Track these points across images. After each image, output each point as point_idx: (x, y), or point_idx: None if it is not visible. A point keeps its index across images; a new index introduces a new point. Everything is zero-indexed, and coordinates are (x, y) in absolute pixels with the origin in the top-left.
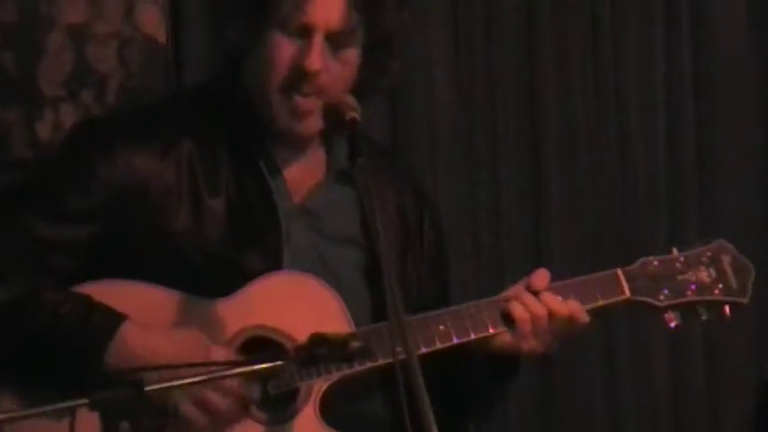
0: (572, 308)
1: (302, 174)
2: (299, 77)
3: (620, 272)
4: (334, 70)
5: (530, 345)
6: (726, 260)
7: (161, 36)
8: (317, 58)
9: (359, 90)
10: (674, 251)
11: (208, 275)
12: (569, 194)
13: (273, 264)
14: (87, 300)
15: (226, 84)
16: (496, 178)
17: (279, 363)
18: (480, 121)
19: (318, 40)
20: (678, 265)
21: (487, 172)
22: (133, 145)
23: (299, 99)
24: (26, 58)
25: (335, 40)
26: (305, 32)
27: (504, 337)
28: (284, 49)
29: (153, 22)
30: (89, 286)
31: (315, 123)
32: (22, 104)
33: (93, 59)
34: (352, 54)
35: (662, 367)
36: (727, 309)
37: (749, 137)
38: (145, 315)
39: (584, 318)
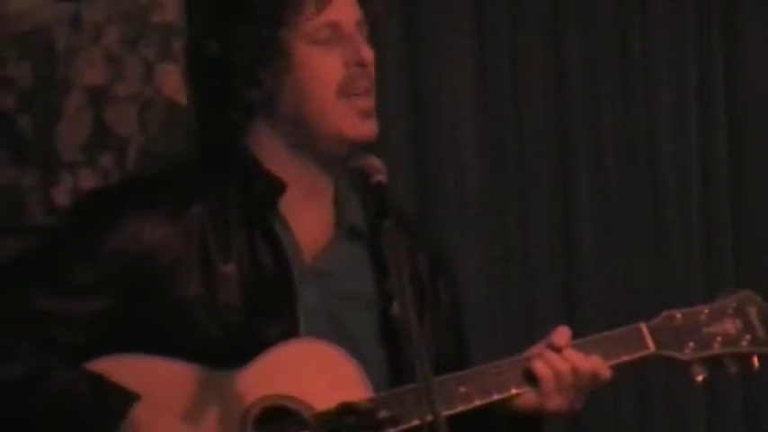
0: (594, 364)
1: (313, 232)
2: (357, 74)
3: (643, 326)
4: (372, 63)
5: (554, 403)
6: (752, 311)
7: (182, 98)
8: (366, 46)
9: None
10: (698, 304)
11: (222, 344)
12: (602, 258)
13: (289, 329)
14: (100, 378)
15: (235, 144)
16: (527, 240)
17: None
18: (510, 183)
19: (356, 32)
20: (703, 317)
21: (519, 234)
22: (141, 213)
23: (361, 100)
24: (43, 122)
25: (360, 31)
26: (335, 33)
27: (528, 396)
28: (325, 57)
29: (173, 83)
30: (101, 362)
31: (376, 125)
32: (39, 169)
33: (113, 122)
34: (371, 47)
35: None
36: (755, 360)
37: None
38: (157, 390)
39: (607, 374)
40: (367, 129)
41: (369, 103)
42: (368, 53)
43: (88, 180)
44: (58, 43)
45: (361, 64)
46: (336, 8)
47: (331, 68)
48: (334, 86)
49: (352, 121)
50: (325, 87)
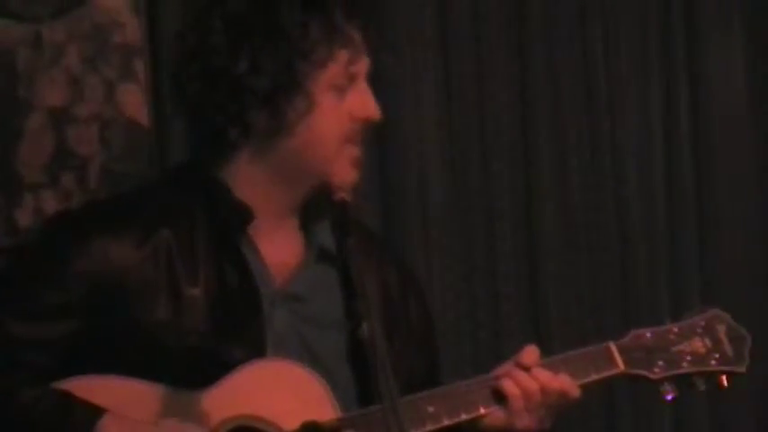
0: (563, 382)
1: (283, 256)
2: (362, 128)
3: (612, 345)
4: None
5: (523, 422)
6: (721, 329)
7: (143, 118)
8: (376, 104)
9: None
10: (668, 322)
11: (189, 368)
12: (567, 269)
13: (257, 353)
14: (66, 396)
15: (205, 164)
16: (493, 255)
17: None
18: (475, 199)
19: (366, 84)
20: (672, 336)
21: (483, 249)
22: (108, 236)
23: (355, 149)
24: (4, 143)
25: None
26: (350, 81)
27: (496, 415)
28: (340, 104)
29: (135, 103)
30: (68, 383)
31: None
32: (1, 190)
33: (74, 142)
34: None
35: None
36: (724, 379)
37: (748, 197)
38: (126, 410)
39: (576, 392)
40: (354, 177)
41: (359, 152)
42: (377, 112)
43: (50, 201)
44: (18, 64)
45: (368, 121)
46: (362, 56)
47: (341, 118)
48: (340, 136)
49: (347, 169)
50: (333, 135)
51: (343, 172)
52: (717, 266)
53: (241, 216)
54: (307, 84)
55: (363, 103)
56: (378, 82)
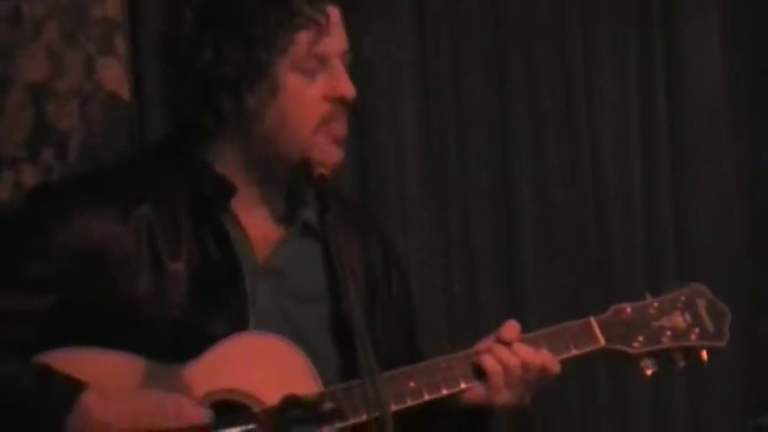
0: (544, 358)
1: (266, 230)
2: (338, 107)
3: (593, 320)
4: None
5: (503, 397)
6: (701, 304)
7: (124, 92)
8: (350, 83)
9: None
10: (648, 297)
11: (171, 342)
12: (544, 249)
13: (238, 327)
14: (46, 370)
15: (191, 141)
16: (469, 235)
17: (251, 426)
18: (452, 195)
19: (340, 64)
20: (652, 311)
21: (459, 229)
22: (91, 209)
23: (337, 126)
24: None
25: (344, 62)
26: (321, 64)
27: (477, 390)
28: (310, 88)
29: (115, 78)
30: (49, 356)
31: (343, 153)
32: None
33: (54, 118)
34: None
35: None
36: (704, 354)
37: (726, 194)
38: (108, 382)
39: (556, 368)
40: (337, 156)
41: (343, 131)
42: (351, 90)
43: (30, 176)
44: None
45: (343, 101)
46: (331, 38)
47: (315, 101)
48: (314, 119)
49: (327, 149)
50: (305, 118)
51: (323, 152)
52: (693, 248)
53: (224, 190)
54: (270, 69)
55: (335, 82)
56: (356, 69)
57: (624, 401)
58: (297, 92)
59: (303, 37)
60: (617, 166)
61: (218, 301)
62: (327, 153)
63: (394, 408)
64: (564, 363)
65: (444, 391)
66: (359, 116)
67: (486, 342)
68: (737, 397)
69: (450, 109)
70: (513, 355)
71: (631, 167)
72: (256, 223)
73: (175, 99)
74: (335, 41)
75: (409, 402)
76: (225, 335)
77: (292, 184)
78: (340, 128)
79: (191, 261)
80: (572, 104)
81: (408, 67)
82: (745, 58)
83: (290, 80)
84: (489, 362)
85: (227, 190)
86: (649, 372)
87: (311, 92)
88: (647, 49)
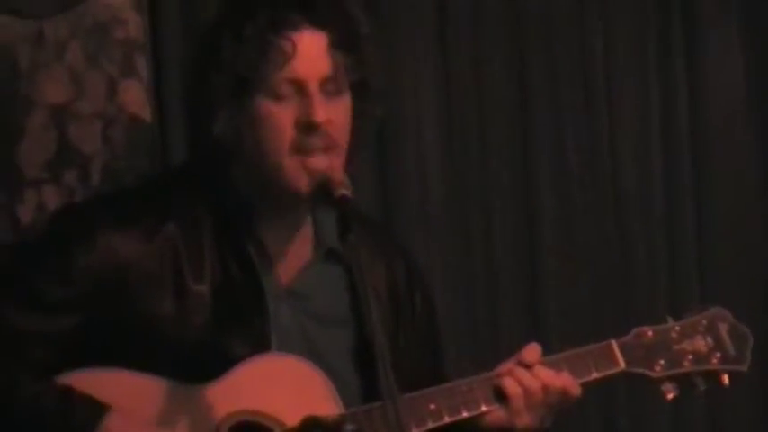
0: (565, 381)
1: (290, 254)
2: (307, 134)
3: (614, 343)
4: (336, 119)
5: (524, 420)
6: (723, 327)
7: (146, 114)
8: (319, 108)
9: (352, 141)
10: (669, 320)
11: (193, 363)
12: (566, 266)
13: (260, 349)
14: (69, 391)
15: (210, 165)
16: (491, 249)
17: None
18: (473, 195)
19: (315, 91)
20: (674, 334)
21: (481, 243)
22: (114, 230)
23: (313, 160)
24: (6, 140)
25: (328, 88)
26: (296, 89)
27: (497, 413)
28: (280, 112)
29: (137, 100)
30: (71, 376)
31: (336, 176)
32: (2, 187)
33: (77, 140)
34: (346, 99)
35: None
36: (725, 378)
37: (747, 194)
38: (129, 403)
39: (577, 391)
40: (304, 186)
41: (320, 163)
42: (323, 115)
43: (52, 197)
44: (20, 61)
45: (312, 127)
46: (300, 64)
47: (284, 127)
48: (285, 145)
49: (305, 179)
50: (277, 145)
51: (300, 180)
52: (714, 247)
53: (246, 212)
54: (240, 96)
55: (303, 108)
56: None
57: (644, 426)
58: (268, 118)
59: (272, 63)
60: (637, 166)
61: (240, 323)
62: (296, 179)
63: (415, 430)
64: (584, 386)
65: (465, 414)
66: (380, 136)
67: (507, 365)
68: (759, 412)
69: (471, 109)
70: (534, 378)
71: (651, 168)
72: (280, 246)
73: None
74: (309, 65)
75: (430, 425)
76: (247, 356)
77: (316, 209)
78: (315, 160)
79: (213, 282)
80: (592, 105)
81: (429, 69)
82: (765, 57)
83: (263, 106)
84: (510, 385)
85: (250, 211)
86: (670, 396)
87: (281, 117)
88: (667, 49)
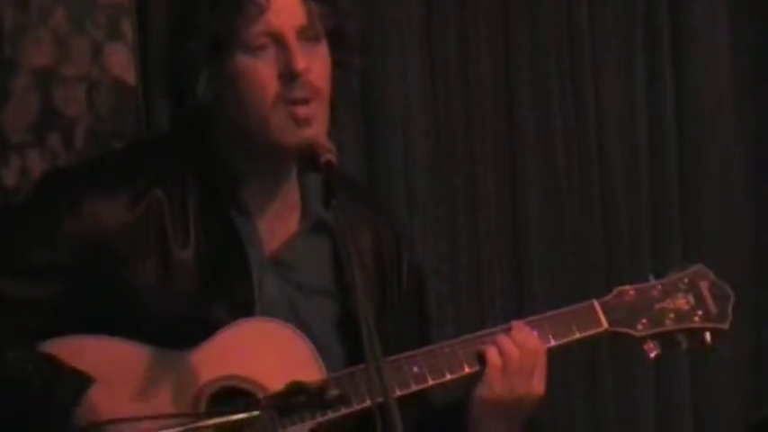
0: (535, 341)
1: (276, 223)
2: (290, 84)
3: (596, 303)
4: (315, 68)
5: (495, 390)
6: (704, 286)
7: (130, 78)
8: (299, 57)
9: (333, 93)
10: (651, 279)
11: (177, 330)
12: (550, 232)
13: (244, 316)
14: (53, 360)
15: (193, 132)
16: (475, 222)
17: (255, 412)
18: (459, 168)
19: (293, 40)
20: (655, 293)
21: (466, 215)
22: (99, 196)
23: (298, 109)
24: None
25: (306, 36)
26: (274, 41)
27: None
28: (261, 66)
29: (122, 63)
30: (54, 343)
31: (321, 129)
32: None
33: (61, 103)
34: (324, 47)
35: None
36: (707, 336)
37: (732, 176)
38: (112, 371)
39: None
40: (305, 135)
41: (307, 110)
42: (304, 62)
43: (36, 161)
44: (4, 24)
45: (294, 76)
46: (274, 15)
47: (266, 80)
48: (269, 98)
49: (290, 129)
50: (261, 99)
51: (286, 134)
52: (699, 231)
53: (231, 180)
54: (218, 56)
55: (284, 59)
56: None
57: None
58: (248, 72)
59: (246, 17)
60: (623, 149)
61: (224, 291)
62: (290, 133)
63: (398, 393)
64: (567, 347)
65: (449, 376)
66: (365, 108)
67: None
68: (740, 390)
69: (457, 94)
70: (509, 339)
71: (638, 150)
72: (266, 215)
73: (167, 90)
74: (283, 17)
75: (413, 387)
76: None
77: (306, 177)
78: (300, 108)
79: (198, 250)
80: (579, 89)
81: (416, 54)
82: (752, 40)
83: (242, 62)
84: (489, 347)
85: (236, 179)
86: (653, 354)
87: (263, 71)
88: (653, 30)
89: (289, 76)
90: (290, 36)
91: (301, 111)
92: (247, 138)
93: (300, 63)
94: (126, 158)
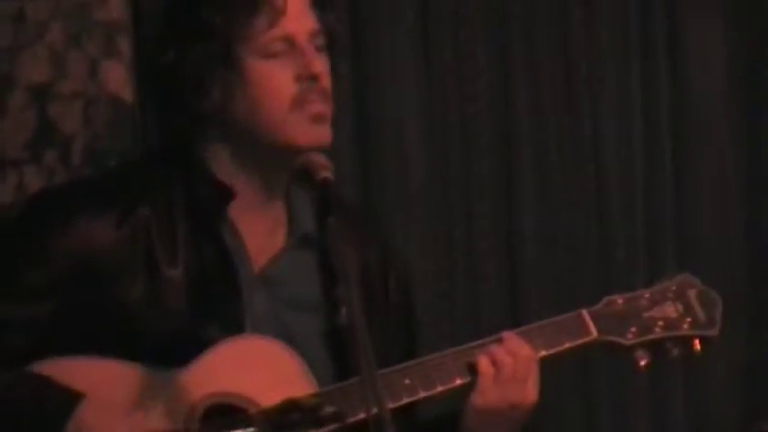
0: (528, 351)
1: (264, 239)
2: (309, 85)
3: (584, 312)
4: (326, 72)
5: (491, 396)
6: (692, 293)
7: (127, 94)
8: (317, 60)
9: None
10: (640, 288)
11: (167, 349)
12: (545, 237)
13: (234, 334)
14: (42, 379)
15: (184, 145)
16: (471, 233)
17: (250, 429)
18: (454, 176)
19: (307, 43)
20: (644, 301)
21: (462, 230)
22: (89, 215)
23: (313, 107)
24: None
25: (314, 42)
26: (288, 45)
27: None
28: (278, 70)
29: (118, 80)
30: (44, 364)
31: (330, 131)
32: None
33: (58, 120)
34: (326, 55)
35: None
36: (696, 343)
37: (728, 177)
38: (103, 391)
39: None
40: (319, 134)
41: (321, 108)
42: (320, 66)
43: (33, 177)
44: (1, 40)
45: (314, 78)
46: (290, 20)
47: (283, 83)
48: (286, 101)
49: (305, 128)
50: (277, 102)
51: (300, 132)
52: (694, 237)
53: (220, 197)
54: (231, 60)
55: (302, 62)
56: (354, 62)
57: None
58: (264, 77)
59: (260, 21)
60: (618, 152)
61: (214, 309)
62: (306, 132)
63: (390, 406)
64: (557, 357)
65: (440, 388)
66: (360, 118)
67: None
68: (739, 400)
69: (452, 108)
70: (505, 351)
71: (633, 157)
72: (254, 231)
73: (155, 104)
74: (297, 21)
75: (405, 400)
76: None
77: (294, 195)
78: (316, 106)
79: (187, 267)
80: (573, 95)
81: (410, 61)
82: (747, 45)
83: (256, 66)
84: (481, 356)
85: (224, 195)
86: (643, 362)
87: (280, 75)
88: (648, 37)
89: (308, 77)
90: (304, 40)
91: (319, 108)
92: (254, 143)
93: (319, 65)
94: (114, 177)
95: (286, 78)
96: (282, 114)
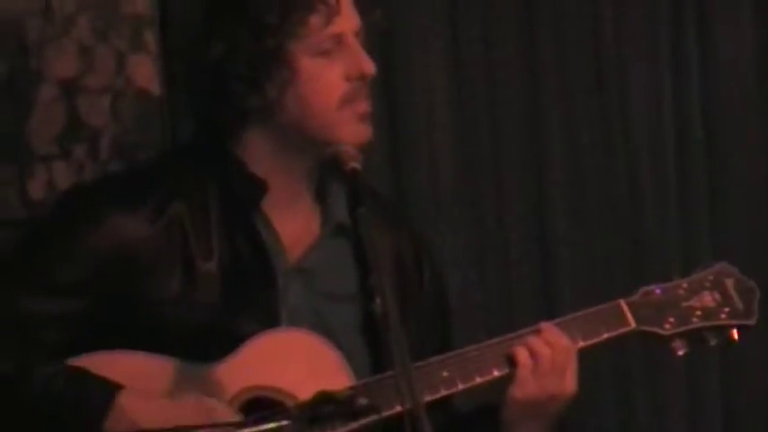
0: (566, 341)
1: (298, 231)
2: (359, 84)
3: (622, 302)
4: None
5: (529, 389)
6: (729, 283)
7: (155, 88)
8: (368, 58)
9: None
10: (676, 278)
11: (203, 342)
12: (576, 230)
13: (271, 327)
14: (81, 372)
15: (219, 139)
16: (503, 228)
17: (285, 422)
18: (485, 174)
19: (355, 42)
20: (681, 291)
21: (493, 224)
22: (121, 211)
23: (359, 103)
24: (16, 114)
25: (360, 40)
26: (338, 43)
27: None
28: (329, 68)
29: (146, 73)
30: (82, 359)
31: (371, 129)
32: (12, 163)
33: (86, 114)
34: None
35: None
36: (734, 332)
37: (760, 174)
38: (141, 384)
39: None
40: (365, 132)
41: (367, 106)
42: (370, 66)
43: (62, 172)
44: (28, 35)
45: (364, 78)
46: (344, 18)
47: (333, 82)
48: (336, 99)
49: (353, 126)
50: (327, 100)
51: (350, 131)
52: (727, 228)
53: (255, 190)
54: (284, 57)
55: (354, 61)
56: (383, 59)
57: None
58: (316, 75)
59: (316, 19)
60: (650, 149)
61: (250, 302)
62: (354, 130)
63: (428, 398)
64: (595, 347)
65: (478, 380)
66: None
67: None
68: None
69: (481, 103)
70: (542, 343)
71: (665, 152)
72: (288, 224)
73: (195, 97)
74: (348, 19)
75: (443, 392)
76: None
77: (326, 184)
78: (363, 104)
79: (222, 261)
80: (603, 87)
81: (440, 55)
82: None
83: (308, 64)
84: (519, 348)
85: (259, 189)
86: (681, 352)
87: (330, 73)
88: (679, 27)
89: (357, 76)
90: (354, 38)
91: (365, 106)
92: (299, 139)
93: (372, 65)
94: (146, 172)
95: (336, 76)
96: (331, 112)
